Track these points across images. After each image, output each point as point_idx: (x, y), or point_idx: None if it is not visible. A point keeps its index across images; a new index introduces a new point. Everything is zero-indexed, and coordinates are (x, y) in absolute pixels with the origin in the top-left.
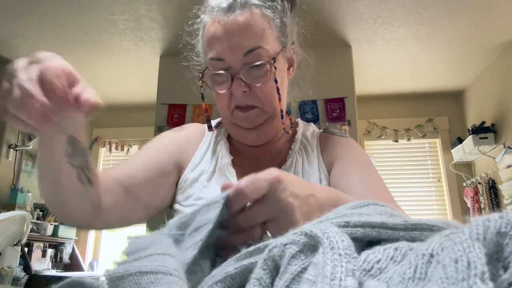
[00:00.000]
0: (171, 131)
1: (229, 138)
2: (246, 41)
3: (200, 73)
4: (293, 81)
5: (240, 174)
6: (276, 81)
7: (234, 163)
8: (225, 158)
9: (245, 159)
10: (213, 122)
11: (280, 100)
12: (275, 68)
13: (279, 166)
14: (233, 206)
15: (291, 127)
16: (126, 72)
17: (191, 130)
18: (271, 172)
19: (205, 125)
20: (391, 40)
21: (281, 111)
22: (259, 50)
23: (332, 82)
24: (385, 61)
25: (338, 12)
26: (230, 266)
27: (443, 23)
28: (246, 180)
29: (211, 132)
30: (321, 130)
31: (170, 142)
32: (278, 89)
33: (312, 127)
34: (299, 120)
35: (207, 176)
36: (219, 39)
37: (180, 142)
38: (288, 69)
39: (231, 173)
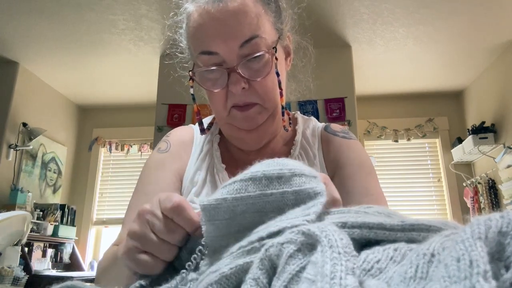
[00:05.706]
0: (158, 154)
1: (220, 142)
2: (241, 31)
3: (189, 71)
4: (290, 73)
5: None
6: (278, 74)
7: (228, 172)
8: (218, 168)
9: (239, 168)
10: (204, 122)
11: (282, 95)
12: (276, 58)
13: None
14: None
15: (290, 123)
16: (126, 72)
17: (178, 141)
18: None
19: (190, 126)
20: (391, 40)
21: (282, 107)
22: (257, 39)
23: (332, 82)
24: (385, 61)
25: (338, 12)
26: (225, 266)
27: (443, 23)
28: (336, 191)
29: (202, 136)
30: (322, 127)
31: (168, 173)
32: (279, 83)
33: (313, 123)
34: (298, 115)
35: (196, 190)
36: (209, 30)
37: (174, 162)
38: (286, 59)
39: None
